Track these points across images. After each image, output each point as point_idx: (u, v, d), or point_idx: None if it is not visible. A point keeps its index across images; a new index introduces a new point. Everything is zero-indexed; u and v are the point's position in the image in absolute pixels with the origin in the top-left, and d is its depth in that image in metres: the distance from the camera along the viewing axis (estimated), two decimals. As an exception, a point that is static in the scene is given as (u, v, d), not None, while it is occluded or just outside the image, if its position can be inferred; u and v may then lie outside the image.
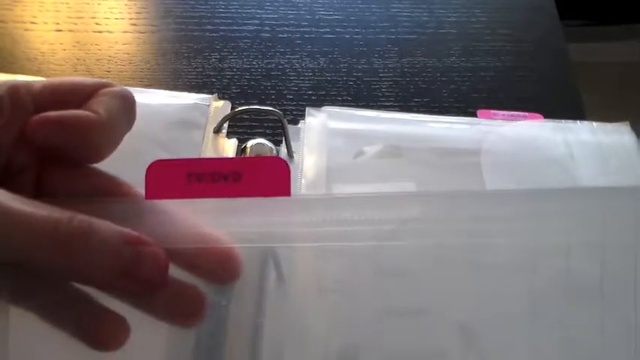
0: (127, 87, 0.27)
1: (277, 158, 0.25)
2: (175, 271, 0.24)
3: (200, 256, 0.25)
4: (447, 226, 0.26)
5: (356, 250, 0.30)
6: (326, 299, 0.35)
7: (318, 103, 0.49)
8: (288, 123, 0.45)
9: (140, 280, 0.23)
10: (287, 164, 0.26)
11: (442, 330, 0.34)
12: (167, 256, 0.23)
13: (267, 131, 0.47)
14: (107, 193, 0.26)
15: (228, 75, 0.52)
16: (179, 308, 0.24)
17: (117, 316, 0.24)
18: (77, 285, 0.24)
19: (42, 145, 0.25)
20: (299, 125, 0.46)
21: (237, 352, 0.33)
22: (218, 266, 0.25)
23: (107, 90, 0.26)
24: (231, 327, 0.34)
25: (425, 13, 0.59)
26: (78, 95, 0.26)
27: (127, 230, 0.23)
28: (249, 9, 0.58)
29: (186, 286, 0.25)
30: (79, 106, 0.25)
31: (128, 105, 0.27)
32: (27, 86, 0.26)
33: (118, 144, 0.26)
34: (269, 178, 0.25)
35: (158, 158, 0.26)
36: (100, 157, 0.26)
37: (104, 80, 0.27)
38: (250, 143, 0.45)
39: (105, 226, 0.22)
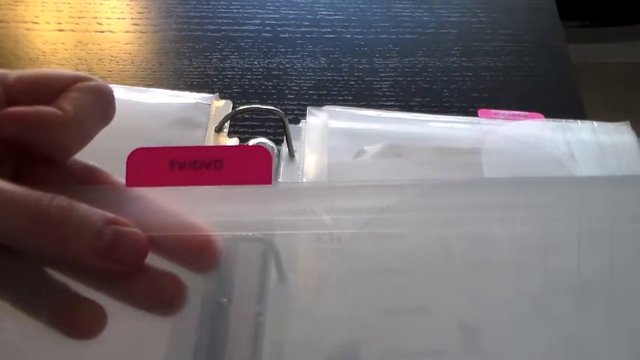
0: (127, 86, 0.27)
1: (259, 146, 0.26)
2: (154, 260, 0.24)
3: (179, 244, 0.24)
4: (442, 214, 0.26)
5: (352, 245, 0.30)
6: (326, 297, 0.35)
7: (319, 103, 0.50)
8: (290, 122, 0.45)
9: (120, 261, 0.22)
10: (268, 152, 0.26)
11: (443, 328, 0.34)
12: (147, 239, 0.23)
13: (269, 130, 0.48)
14: (87, 182, 0.25)
15: (229, 74, 0.52)
16: (158, 296, 0.24)
17: (93, 304, 0.23)
18: (53, 273, 0.24)
19: (10, 140, 0.24)
20: (300, 124, 0.46)
21: (237, 350, 0.34)
22: (197, 254, 0.25)
23: (81, 85, 0.25)
24: (232, 325, 0.34)
25: (426, 13, 0.59)
26: (52, 88, 0.25)
27: (107, 212, 0.22)
28: (250, 9, 0.58)
29: (165, 274, 0.24)
30: (52, 99, 0.25)
31: (103, 100, 0.26)
32: (1, 77, 0.25)
33: (89, 140, 0.26)
34: (251, 166, 0.25)
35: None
36: (69, 154, 0.26)
37: (81, 73, 0.26)
38: (251, 142, 0.45)
39: (85, 206, 0.22)
